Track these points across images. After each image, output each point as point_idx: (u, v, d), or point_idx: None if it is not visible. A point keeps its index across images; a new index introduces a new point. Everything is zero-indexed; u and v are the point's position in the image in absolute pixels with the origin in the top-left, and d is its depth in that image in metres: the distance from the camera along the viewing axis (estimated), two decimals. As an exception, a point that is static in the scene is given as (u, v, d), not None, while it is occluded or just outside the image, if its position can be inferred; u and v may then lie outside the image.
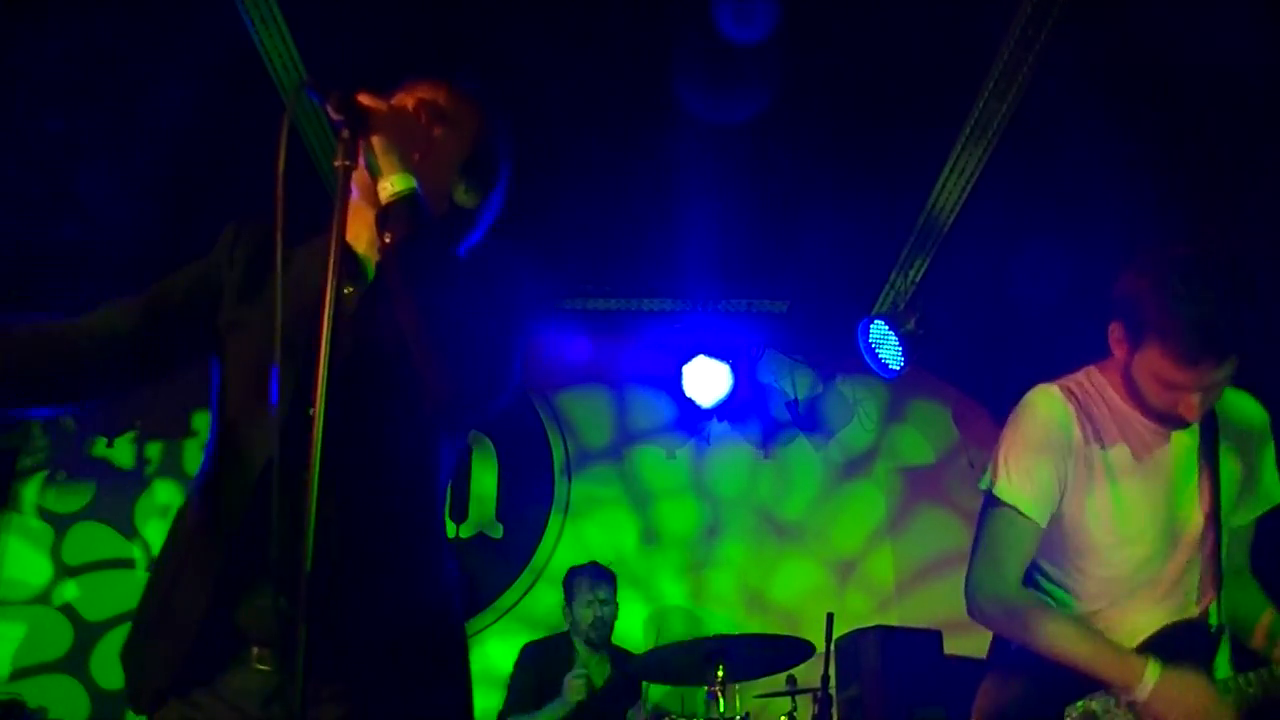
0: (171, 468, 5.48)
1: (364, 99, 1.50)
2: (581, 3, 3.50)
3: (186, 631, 1.48)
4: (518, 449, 5.59)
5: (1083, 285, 4.34)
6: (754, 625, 5.21)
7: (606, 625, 4.48)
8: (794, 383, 5.67)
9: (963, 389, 5.64)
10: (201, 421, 5.53)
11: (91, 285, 4.90)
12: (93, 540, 5.33)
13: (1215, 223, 3.82)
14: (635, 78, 3.80)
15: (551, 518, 5.50)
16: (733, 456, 5.61)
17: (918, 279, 4.83)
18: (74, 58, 3.63)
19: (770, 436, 5.63)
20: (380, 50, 3.64)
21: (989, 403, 5.57)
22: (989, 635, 2.35)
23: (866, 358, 4.95)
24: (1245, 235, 3.76)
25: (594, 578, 4.54)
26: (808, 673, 4.13)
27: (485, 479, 5.55)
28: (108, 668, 5.08)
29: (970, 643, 2.61)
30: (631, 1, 3.48)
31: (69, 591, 5.23)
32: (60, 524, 5.34)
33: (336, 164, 1.44)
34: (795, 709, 4.19)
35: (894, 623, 5.18)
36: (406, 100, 1.70)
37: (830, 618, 4.08)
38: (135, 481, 5.43)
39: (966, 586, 2.19)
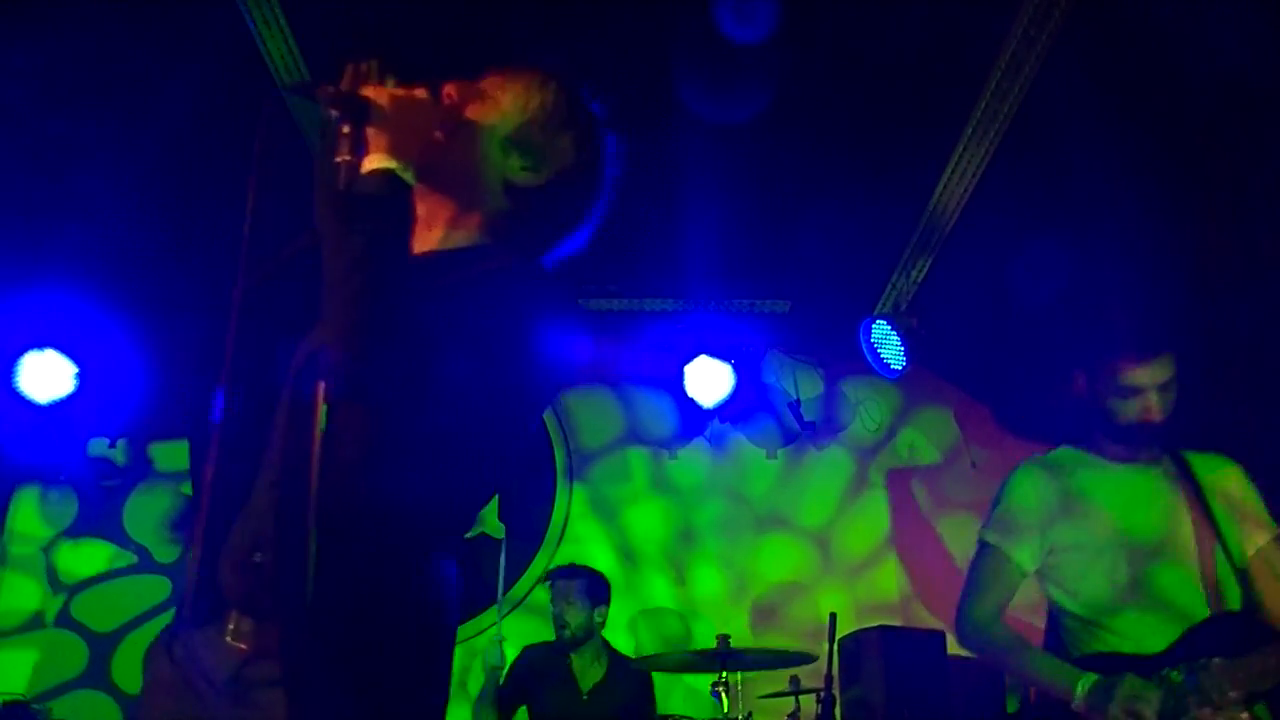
0: (177, 469, 5.49)
1: (366, 90, 1.44)
2: (582, 3, 3.49)
3: (189, 579, 1.42)
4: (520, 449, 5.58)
5: (1086, 285, 4.35)
6: (757, 622, 5.21)
7: (570, 627, 4.36)
8: (796, 383, 5.66)
9: (965, 389, 5.63)
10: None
11: (94, 285, 4.91)
12: (90, 551, 5.32)
13: (1218, 223, 3.81)
14: (635, 78, 3.79)
15: (554, 518, 5.50)
16: (734, 457, 5.61)
17: (920, 279, 4.82)
18: (76, 59, 3.63)
19: (772, 437, 5.63)
20: (383, 52, 3.65)
21: (991, 403, 5.57)
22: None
23: (869, 358, 4.94)
24: (1248, 235, 3.75)
25: (561, 578, 4.47)
26: (810, 672, 4.13)
27: (487, 479, 5.54)
28: (130, 674, 5.07)
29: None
30: (631, 1, 3.47)
31: (74, 607, 5.22)
32: (56, 540, 5.34)
33: (338, 159, 1.38)
34: (798, 709, 4.19)
35: (897, 622, 5.18)
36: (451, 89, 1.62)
37: (833, 618, 4.08)
38: (133, 484, 5.43)
39: (955, 617, 2.62)
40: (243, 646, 1.39)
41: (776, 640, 5.05)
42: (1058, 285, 4.17)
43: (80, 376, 4.94)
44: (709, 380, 5.18)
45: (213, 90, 3.67)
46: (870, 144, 4.11)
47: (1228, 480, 2.57)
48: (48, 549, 5.32)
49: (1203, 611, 2.43)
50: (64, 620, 5.20)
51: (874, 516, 5.54)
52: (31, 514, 5.38)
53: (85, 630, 5.16)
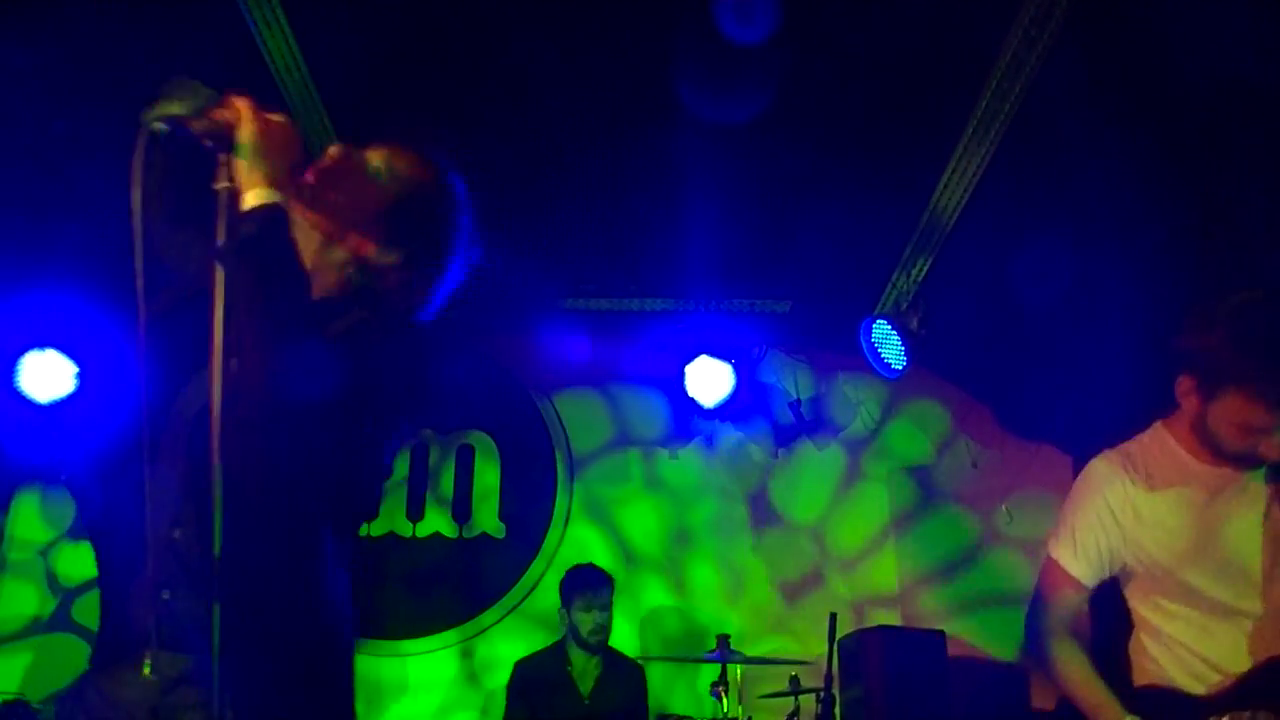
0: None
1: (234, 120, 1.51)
2: (582, 3, 3.49)
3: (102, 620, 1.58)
4: (520, 449, 5.59)
5: (1085, 285, 4.35)
6: (757, 622, 5.22)
7: (606, 630, 4.45)
8: (796, 382, 5.66)
9: (965, 389, 5.63)
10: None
11: (94, 285, 4.91)
12: (90, 552, 5.30)
13: (1218, 223, 3.81)
14: (635, 78, 3.79)
15: (554, 518, 5.50)
16: (735, 457, 5.60)
17: (920, 278, 4.82)
18: (77, 59, 3.63)
19: (773, 436, 5.63)
20: (383, 52, 3.66)
21: (992, 402, 5.57)
22: (989, 637, 2.51)
23: (869, 357, 4.94)
24: (1248, 236, 3.75)
25: (593, 586, 4.49)
26: (810, 672, 4.13)
27: (488, 479, 5.56)
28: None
29: (972, 644, 2.64)
30: (631, 1, 3.47)
31: (75, 609, 5.21)
32: (56, 541, 5.33)
33: (218, 186, 1.45)
34: (798, 709, 4.19)
35: (897, 622, 5.19)
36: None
37: (833, 618, 4.08)
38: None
39: (1025, 621, 2.47)
40: (157, 679, 1.45)
41: (776, 640, 5.05)
42: (1058, 285, 4.17)
43: (80, 376, 4.94)
44: (709, 380, 5.18)
45: (214, 91, 3.66)
46: (870, 144, 4.11)
47: None
48: (47, 551, 5.32)
49: (1256, 574, 2.22)
50: (65, 622, 5.20)
51: (874, 513, 5.54)
52: (32, 516, 5.38)
53: (86, 632, 5.16)
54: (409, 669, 5.23)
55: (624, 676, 4.46)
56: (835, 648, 4.06)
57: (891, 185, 4.35)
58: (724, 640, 4.13)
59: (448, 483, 5.53)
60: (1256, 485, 2.28)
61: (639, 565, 5.42)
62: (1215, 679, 2.25)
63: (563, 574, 4.71)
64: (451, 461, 5.56)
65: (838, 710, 4.11)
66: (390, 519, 5.46)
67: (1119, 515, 2.32)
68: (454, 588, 5.37)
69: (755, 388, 5.55)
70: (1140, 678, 2.40)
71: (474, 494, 5.52)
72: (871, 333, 4.91)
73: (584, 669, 4.44)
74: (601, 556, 5.30)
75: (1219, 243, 3.87)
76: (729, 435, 5.62)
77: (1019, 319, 4.85)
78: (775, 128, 3.97)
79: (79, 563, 5.28)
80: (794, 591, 5.40)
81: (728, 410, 5.42)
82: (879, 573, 5.45)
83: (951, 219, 4.38)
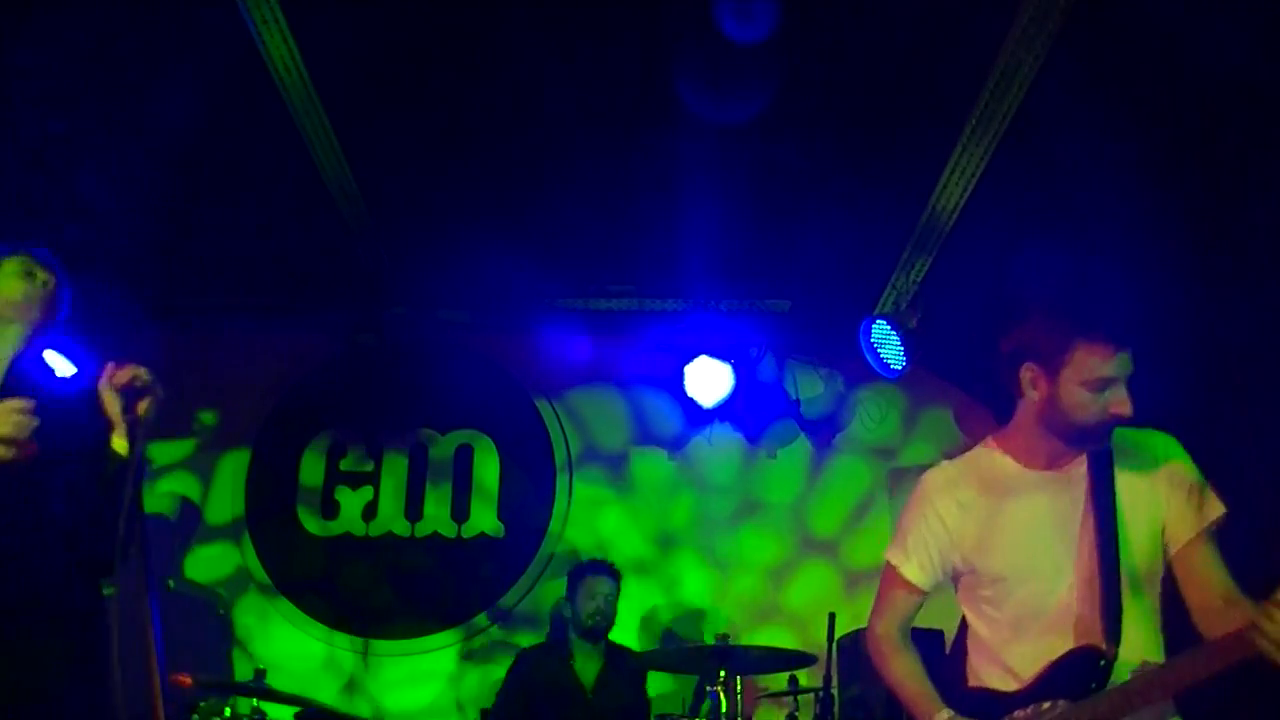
0: (176, 466, 5.50)
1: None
2: (582, 2, 3.50)
3: None
4: (519, 449, 5.59)
5: (1085, 285, 4.34)
6: (758, 625, 5.22)
7: (606, 618, 4.47)
8: (796, 382, 5.67)
9: (964, 389, 5.63)
10: (209, 418, 5.55)
11: (94, 286, 4.91)
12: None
13: (1217, 222, 3.82)
14: (635, 78, 3.80)
15: (553, 518, 5.50)
16: (734, 456, 5.61)
17: (919, 279, 4.82)
18: (76, 59, 3.64)
19: (772, 436, 5.63)
20: (383, 52, 3.66)
21: (991, 402, 5.56)
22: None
23: (868, 357, 4.94)
24: (1246, 235, 3.76)
25: (597, 573, 4.54)
26: (810, 672, 4.13)
27: (487, 479, 5.56)
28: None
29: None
30: (632, 1, 3.48)
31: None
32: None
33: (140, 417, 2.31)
34: (797, 709, 4.19)
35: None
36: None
37: (832, 618, 4.08)
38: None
39: (867, 624, 2.65)
40: None
41: (777, 636, 5.05)
42: (1057, 285, 4.17)
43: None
44: (709, 380, 5.18)
45: (213, 90, 3.67)
46: (870, 144, 4.11)
47: (1153, 472, 2.30)
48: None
49: (1066, 638, 2.25)
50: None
51: (874, 511, 5.54)
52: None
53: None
54: (408, 669, 5.23)
55: (626, 672, 4.46)
56: (834, 647, 4.07)
57: (891, 185, 4.35)
58: (723, 639, 4.12)
59: (446, 483, 5.53)
60: (1078, 487, 2.32)
61: (638, 564, 5.41)
62: (1023, 678, 2.29)
63: (561, 574, 4.71)
64: (450, 461, 5.56)
65: (837, 710, 4.11)
66: (389, 519, 5.46)
67: (947, 522, 2.44)
68: (453, 588, 5.37)
69: (754, 388, 5.55)
70: (971, 680, 2.45)
71: (472, 494, 5.52)
72: (871, 333, 4.92)
73: (585, 665, 4.45)
74: (598, 556, 5.30)
75: (1218, 242, 3.87)
76: (728, 435, 5.62)
77: (1018, 319, 4.84)
78: (775, 128, 3.98)
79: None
80: (791, 589, 5.40)
81: (727, 410, 5.42)
82: (878, 571, 5.43)
83: (950, 219, 4.38)
